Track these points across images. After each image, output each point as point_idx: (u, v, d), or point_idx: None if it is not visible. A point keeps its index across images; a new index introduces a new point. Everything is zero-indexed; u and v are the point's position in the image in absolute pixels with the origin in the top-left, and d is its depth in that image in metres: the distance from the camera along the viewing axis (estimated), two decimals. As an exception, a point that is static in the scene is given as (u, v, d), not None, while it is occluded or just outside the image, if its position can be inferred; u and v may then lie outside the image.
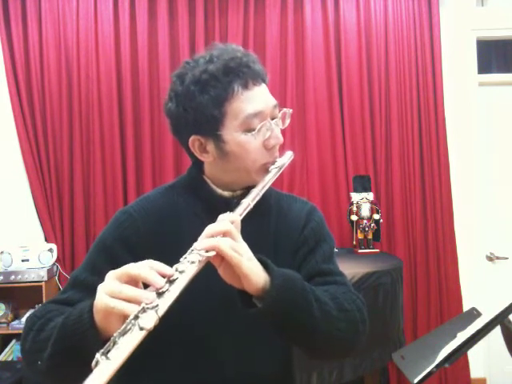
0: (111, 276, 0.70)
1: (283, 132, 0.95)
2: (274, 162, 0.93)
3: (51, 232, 2.87)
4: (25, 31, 2.87)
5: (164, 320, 0.65)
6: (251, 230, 0.82)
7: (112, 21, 2.87)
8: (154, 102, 2.92)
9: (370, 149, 2.97)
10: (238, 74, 0.87)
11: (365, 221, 2.80)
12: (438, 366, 1.05)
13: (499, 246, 3.06)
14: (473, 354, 2.93)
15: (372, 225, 2.80)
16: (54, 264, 2.78)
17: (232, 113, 0.87)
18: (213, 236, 0.75)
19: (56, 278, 2.81)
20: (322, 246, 0.99)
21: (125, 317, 0.66)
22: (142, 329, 0.63)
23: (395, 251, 2.95)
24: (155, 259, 0.72)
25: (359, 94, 2.96)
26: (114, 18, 2.88)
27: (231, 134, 0.88)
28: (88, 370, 0.60)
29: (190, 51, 2.89)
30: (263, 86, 0.91)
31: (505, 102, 3.11)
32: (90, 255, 0.94)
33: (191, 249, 0.74)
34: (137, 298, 0.66)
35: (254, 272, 0.76)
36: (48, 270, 2.69)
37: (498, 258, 3.04)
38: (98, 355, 0.61)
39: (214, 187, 0.96)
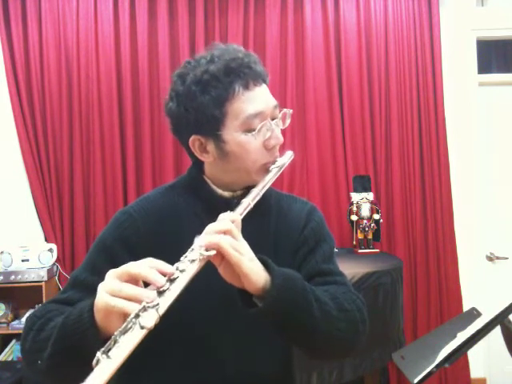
0: (111, 275, 0.70)
1: (283, 132, 0.95)
2: (274, 162, 0.93)
3: (51, 232, 2.87)
4: (25, 31, 2.87)
5: (164, 319, 0.65)
6: (251, 230, 0.82)
7: (112, 21, 2.87)
8: (154, 102, 2.92)
9: (370, 149, 2.97)
10: (238, 74, 0.87)
11: (365, 221, 2.80)
12: (438, 365, 1.05)
13: (499, 246, 3.06)
14: (473, 354, 2.93)
15: (372, 225, 2.80)
16: (54, 264, 2.78)
17: (233, 113, 0.87)
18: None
19: (56, 277, 2.81)
20: (322, 245, 0.99)
21: (125, 316, 0.66)
22: (142, 327, 0.63)
23: (395, 251, 2.95)
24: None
25: (359, 94, 2.96)
26: (114, 18, 2.88)
27: (231, 134, 0.88)
28: (88, 370, 0.60)
29: (190, 51, 2.89)
30: (264, 86, 0.92)
31: (505, 102, 3.11)
32: (90, 255, 0.94)
33: (192, 247, 0.75)
34: (137, 297, 0.66)
35: (254, 271, 0.77)
36: (48, 269, 2.69)
37: (498, 258, 3.04)
38: (98, 354, 0.61)
39: (214, 187, 0.96)
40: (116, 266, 0.72)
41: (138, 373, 0.91)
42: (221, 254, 0.75)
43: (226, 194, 0.96)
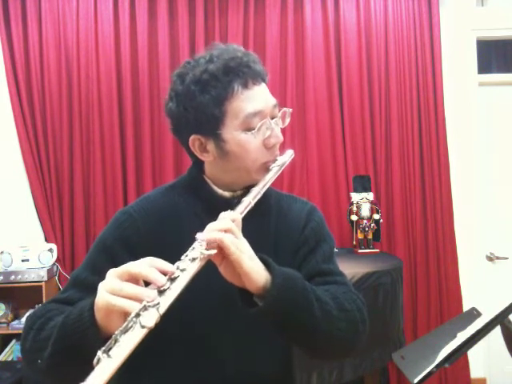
0: (112, 274, 0.70)
1: (283, 132, 0.95)
2: (274, 161, 0.93)
3: (51, 232, 2.87)
4: (25, 31, 2.87)
5: (165, 318, 0.65)
6: (251, 230, 0.82)
7: (112, 21, 2.87)
8: (154, 102, 2.92)
9: (370, 149, 2.97)
10: (238, 73, 0.87)
11: (365, 221, 2.80)
12: (438, 365, 1.05)
13: (499, 246, 3.06)
14: (473, 354, 2.93)
15: (372, 225, 2.80)
16: (54, 264, 2.78)
17: (232, 112, 0.87)
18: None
19: (56, 277, 2.81)
20: (322, 245, 0.99)
21: (126, 315, 0.66)
22: (143, 327, 0.63)
23: (395, 251, 2.95)
24: None
25: (359, 94, 2.96)
26: (114, 18, 2.88)
27: (231, 133, 0.88)
28: (89, 369, 0.60)
29: (190, 51, 2.89)
30: (263, 85, 0.92)
31: (505, 102, 3.11)
32: (91, 255, 0.94)
33: (192, 246, 0.75)
34: (138, 296, 0.66)
35: (254, 270, 0.77)
36: (48, 269, 2.69)
37: (498, 258, 3.04)
38: (99, 353, 0.61)
39: (214, 187, 0.96)
40: (116, 265, 0.72)
41: (139, 372, 0.91)
42: (221, 253, 0.75)
43: (227, 193, 0.96)
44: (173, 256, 0.73)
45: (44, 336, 0.79)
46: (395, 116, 2.96)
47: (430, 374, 1.05)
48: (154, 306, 0.65)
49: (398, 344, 2.37)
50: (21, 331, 0.87)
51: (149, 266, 0.70)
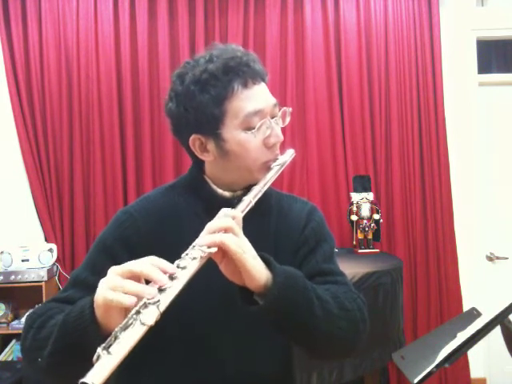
0: (113, 271, 0.70)
1: (283, 132, 0.95)
2: (275, 160, 0.93)
3: (51, 232, 2.87)
4: (25, 31, 2.87)
5: (165, 318, 0.65)
6: (252, 229, 0.82)
7: (112, 21, 2.87)
8: (154, 102, 2.92)
9: (370, 149, 2.97)
10: (237, 72, 0.87)
11: (365, 221, 2.80)
12: (438, 365, 1.05)
13: (499, 246, 3.06)
14: (473, 354, 2.93)
15: (372, 225, 2.80)
16: (54, 264, 2.78)
17: (232, 111, 0.87)
18: (214, 232, 0.76)
19: (56, 278, 2.81)
20: (323, 245, 0.99)
21: (126, 312, 0.66)
22: (143, 324, 0.63)
23: (395, 251, 2.95)
24: None
25: (359, 94, 2.96)
26: (114, 18, 2.88)
27: (231, 132, 0.88)
28: (89, 367, 0.60)
29: (190, 51, 2.89)
30: (263, 85, 0.92)
31: (505, 102, 3.11)
32: (91, 255, 0.94)
33: (193, 245, 0.75)
34: (138, 293, 0.66)
35: (256, 268, 0.77)
36: (48, 270, 2.69)
37: (498, 258, 3.04)
38: (99, 349, 0.61)
39: (214, 187, 0.96)
40: (116, 265, 0.72)
41: (139, 369, 0.91)
42: (222, 251, 0.75)
43: (227, 193, 0.96)
44: (173, 256, 0.73)
45: (44, 334, 0.79)
46: (395, 116, 2.96)
47: (430, 374, 1.05)
48: (154, 303, 0.65)
49: (398, 344, 2.37)
50: (21, 331, 0.87)
51: (150, 264, 0.70)
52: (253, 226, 0.85)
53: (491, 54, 3.22)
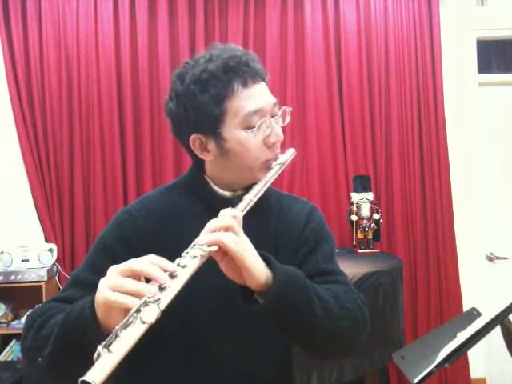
0: (113, 270, 0.70)
1: (283, 132, 0.95)
2: (276, 159, 0.93)
3: (51, 232, 2.87)
4: (25, 31, 2.87)
5: (164, 318, 0.65)
6: (251, 229, 0.82)
7: (112, 21, 2.87)
8: (154, 102, 2.92)
9: (370, 149, 2.97)
10: (237, 72, 0.87)
11: (365, 221, 2.80)
12: (438, 365, 1.05)
13: (499, 246, 3.06)
14: (473, 354, 2.92)
15: (372, 225, 2.80)
16: (54, 264, 2.78)
17: (232, 110, 0.87)
18: (215, 231, 0.76)
19: (56, 278, 2.81)
20: (323, 245, 0.99)
21: (126, 311, 0.66)
22: (143, 322, 0.63)
23: (395, 251, 2.95)
24: None
25: (359, 93, 2.96)
26: (114, 18, 2.88)
27: (231, 131, 0.88)
28: (89, 366, 0.60)
29: (190, 51, 2.89)
30: (263, 84, 0.92)
31: (505, 102, 3.11)
32: (91, 254, 0.94)
33: (193, 243, 0.75)
34: (139, 292, 0.66)
35: (256, 267, 0.77)
36: (48, 270, 2.69)
37: (498, 258, 3.04)
38: (99, 348, 0.61)
39: (214, 187, 0.96)
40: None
41: (139, 368, 0.91)
42: (222, 250, 0.75)
43: (227, 193, 0.96)
44: (173, 256, 0.73)
45: (44, 334, 0.79)
46: (395, 116, 2.96)
47: (430, 374, 1.04)
48: (154, 301, 0.65)
49: (398, 344, 2.37)
50: (21, 331, 0.87)
51: (150, 262, 0.70)
52: (253, 225, 0.85)
53: (491, 53, 3.22)
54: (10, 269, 2.67)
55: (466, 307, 2.96)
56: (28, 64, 2.87)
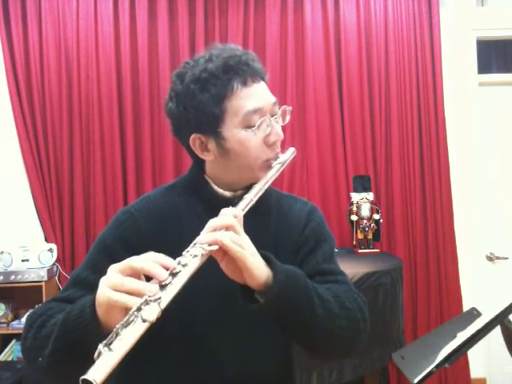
0: (113, 269, 0.70)
1: (283, 132, 0.95)
2: (276, 159, 0.93)
3: (51, 232, 2.87)
4: (25, 31, 2.87)
5: (164, 318, 0.65)
6: (252, 229, 0.82)
7: (112, 21, 2.87)
8: (154, 102, 2.92)
9: (370, 149, 2.97)
10: (237, 71, 0.87)
11: (365, 221, 2.79)
12: (438, 365, 1.04)
13: (499, 245, 3.06)
14: (473, 354, 2.92)
15: (372, 225, 2.80)
16: (54, 264, 2.78)
17: (232, 110, 0.88)
18: (215, 230, 0.76)
19: (56, 278, 2.81)
20: (323, 245, 0.99)
21: (127, 310, 0.66)
22: (144, 321, 0.63)
23: (395, 251, 2.95)
24: None
25: (359, 93, 2.96)
26: (114, 18, 2.88)
27: (231, 130, 0.88)
28: (90, 366, 0.60)
29: (190, 51, 2.89)
30: (262, 83, 0.92)
31: (505, 101, 3.11)
32: (91, 254, 0.94)
33: (194, 242, 0.75)
34: (140, 291, 0.66)
35: (256, 266, 0.77)
36: (48, 269, 2.69)
37: (498, 258, 3.04)
38: (100, 346, 0.61)
39: (215, 187, 0.96)
40: None
41: (139, 367, 0.91)
42: (223, 249, 0.75)
43: (227, 193, 0.96)
44: (174, 256, 0.73)
45: (45, 334, 0.79)
46: (395, 116, 2.96)
47: (430, 373, 1.04)
48: (155, 300, 0.65)
49: (398, 344, 2.37)
50: (21, 331, 0.87)
51: (151, 260, 0.70)
52: (253, 225, 0.85)
53: (491, 53, 3.22)
54: (10, 269, 2.67)
55: (466, 307, 2.96)
56: (28, 64, 2.87)
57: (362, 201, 2.82)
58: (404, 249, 2.96)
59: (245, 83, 0.88)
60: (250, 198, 0.86)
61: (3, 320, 2.74)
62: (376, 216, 2.81)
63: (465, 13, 3.06)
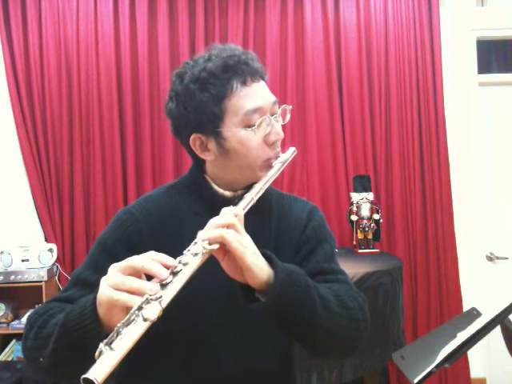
0: (114, 268, 0.71)
1: (283, 133, 0.95)
2: (276, 158, 0.93)
3: (51, 232, 2.87)
4: (25, 31, 2.87)
5: (166, 316, 0.65)
6: (252, 229, 0.82)
7: (112, 21, 2.87)
8: (154, 102, 2.92)
9: (370, 149, 2.97)
10: (236, 71, 0.87)
11: (365, 221, 2.80)
12: (438, 366, 1.04)
13: (499, 246, 3.06)
14: (473, 354, 2.93)
15: (372, 225, 2.80)
16: (54, 264, 2.78)
17: (231, 109, 0.87)
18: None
19: (56, 278, 2.81)
20: (323, 245, 0.99)
21: (128, 308, 0.66)
22: (145, 320, 0.63)
23: (395, 251, 2.95)
24: None
25: (359, 93, 2.96)
26: (114, 18, 2.88)
27: (231, 130, 0.88)
28: (90, 366, 0.60)
29: (190, 51, 2.89)
30: (262, 82, 0.92)
31: (505, 101, 3.11)
32: (92, 254, 0.94)
33: (194, 241, 0.75)
34: (140, 290, 0.66)
35: (257, 265, 0.77)
36: (48, 270, 2.69)
37: (498, 257, 3.04)
38: (101, 345, 0.61)
39: (215, 187, 0.96)
40: None
41: (140, 366, 0.91)
42: (224, 248, 0.76)
43: (228, 193, 0.96)
44: (174, 255, 0.73)
45: (45, 333, 0.79)
46: (395, 116, 2.96)
47: (430, 374, 1.04)
48: (156, 299, 0.65)
49: (398, 344, 2.37)
50: (21, 331, 0.87)
51: (151, 259, 0.70)
52: (253, 224, 0.85)
53: (491, 53, 3.22)
54: (10, 269, 2.67)
55: (466, 307, 2.96)
56: (28, 64, 2.87)
57: (362, 201, 2.82)
58: (404, 249, 2.96)
59: (244, 82, 0.88)
60: (251, 197, 0.86)
61: (3, 320, 2.74)
62: (376, 216, 2.81)
63: (465, 13, 3.06)
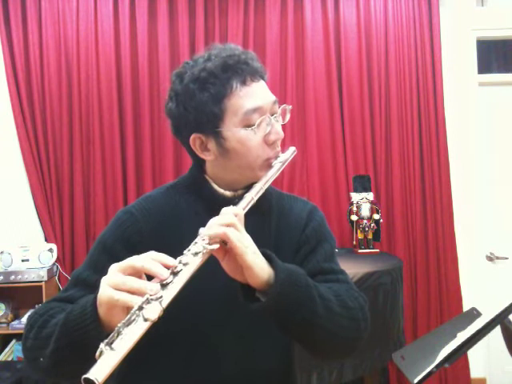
0: (114, 268, 0.70)
1: (283, 133, 0.95)
2: (276, 158, 0.93)
3: (51, 232, 2.87)
4: (25, 31, 2.87)
5: (167, 316, 0.65)
6: (252, 228, 0.82)
7: (112, 21, 2.87)
8: (154, 102, 2.92)
9: (370, 149, 2.97)
10: (236, 70, 0.87)
11: (365, 221, 2.79)
12: (438, 366, 1.04)
13: (499, 246, 3.06)
14: (473, 353, 2.93)
15: (372, 225, 2.80)
16: (54, 264, 2.78)
17: (231, 109, 0.87)
18: None
19: (56, 278, 2.81)
20: (324, 245, 0.99)
21: (128, 308, 0.66)
22: (146, 320, 0.63)
23: (395, 251, 2.95)
24: None
25: (359, 93, 2.96)
26: (114, 18, 2.88)
27: (231, 130, 0.88)
28: (90, 366, 0.60)
29: (190, 51, 2.89)
30: (262, 82, 0.92)
31: (505, 101, 3.11)
32: (92, 254, 0.94)
33: (195, 241, 0.75)
34: (141, 290, 0.66)
35: (257, 265, 0.77)
36: (48, 269, 2.69)
37: (498, 257, 3.04)
38: (102, 345, 0.61)
39: (215, 187, 0.96)
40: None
41: (140, 366, 0.91)
42: (224, 248, 0.76)
43: (228, 193, 0.96)
44: (174, 255, 0.73)
45: (46, 333, 0.79)
46: (395, 116, 2.96)
47: (429, 374, 1.04)
48: (156, 299, 0.65)
49: (398, 344, 2.37)
50: (21, 331, 0.87)
51: (152, 259, 0.70)
52: (254, 224, 0.85)
53: (491, 53, 3.22)
54: (10, 269, 2.67)
55: (466, 307, 2.96)
56: (28, 64, 2.87)
57: (362, 201, 2.82)
58: (404, 249, 2.96)
59: (244, 82, 0.88)
60: (251, 197, 0.86)
61: (3, 320, 2.74)
62: (376, 216, 2.81)
63: (465, 13, 3.06)
